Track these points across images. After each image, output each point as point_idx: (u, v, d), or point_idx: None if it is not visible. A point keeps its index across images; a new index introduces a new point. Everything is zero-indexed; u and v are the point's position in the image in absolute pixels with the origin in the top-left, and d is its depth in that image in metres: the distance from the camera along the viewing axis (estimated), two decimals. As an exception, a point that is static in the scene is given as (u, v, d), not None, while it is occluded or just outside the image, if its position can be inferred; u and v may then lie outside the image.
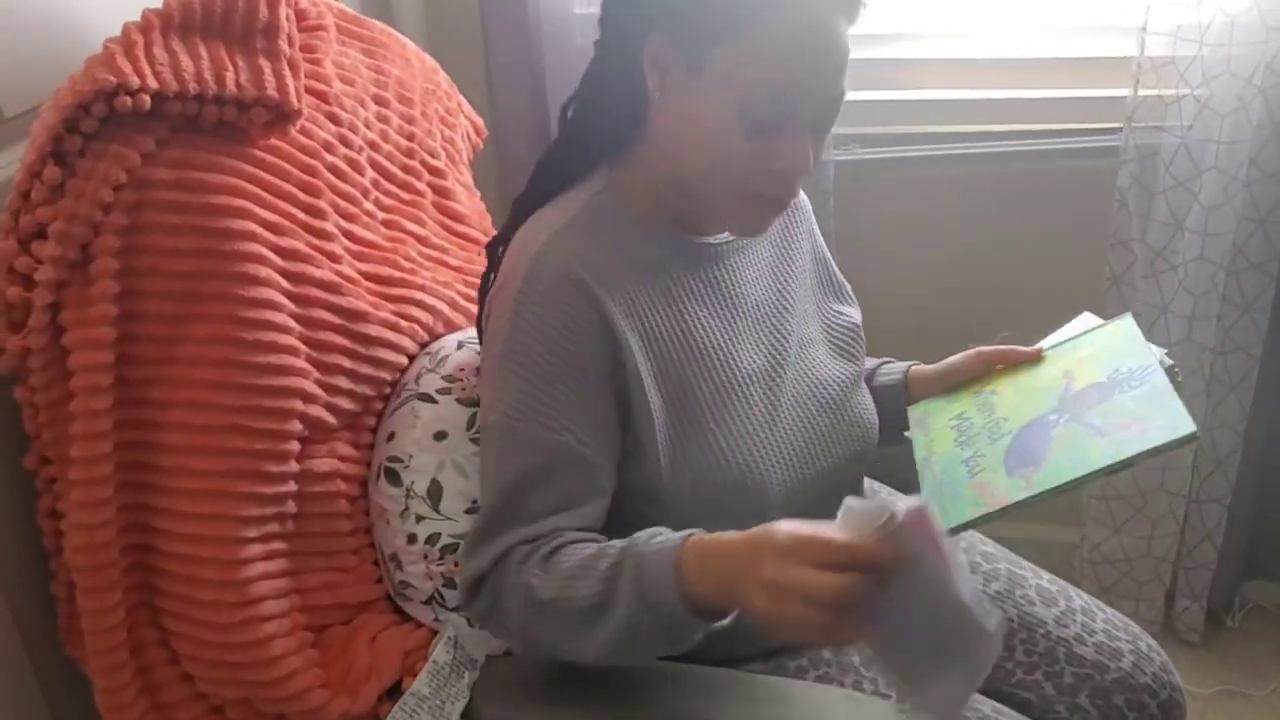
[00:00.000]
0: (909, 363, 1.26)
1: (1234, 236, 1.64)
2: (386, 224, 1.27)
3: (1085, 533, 1.90)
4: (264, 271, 1.06)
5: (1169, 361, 1.07)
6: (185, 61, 1.02)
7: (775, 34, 0.92)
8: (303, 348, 1.09)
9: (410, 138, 1.32)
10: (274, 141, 1.11)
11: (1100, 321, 1.16)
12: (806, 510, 1.10)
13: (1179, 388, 1.01)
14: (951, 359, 1.20)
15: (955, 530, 1.00)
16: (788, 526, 0.84)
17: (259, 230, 1.06)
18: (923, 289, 1.84)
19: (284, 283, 1.09)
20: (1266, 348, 1.71)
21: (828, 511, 1.14)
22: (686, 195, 1.04)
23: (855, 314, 1.22)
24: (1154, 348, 1.07)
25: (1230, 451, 1.78)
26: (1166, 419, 0.95)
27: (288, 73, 1.08)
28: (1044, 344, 1.17)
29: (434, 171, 1.36)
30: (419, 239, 1.30)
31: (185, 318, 1.03)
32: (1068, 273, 1.80)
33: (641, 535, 0.94)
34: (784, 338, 1.11)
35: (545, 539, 0.98)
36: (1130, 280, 1.74)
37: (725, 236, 1.10)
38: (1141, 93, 1.63)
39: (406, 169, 1.31)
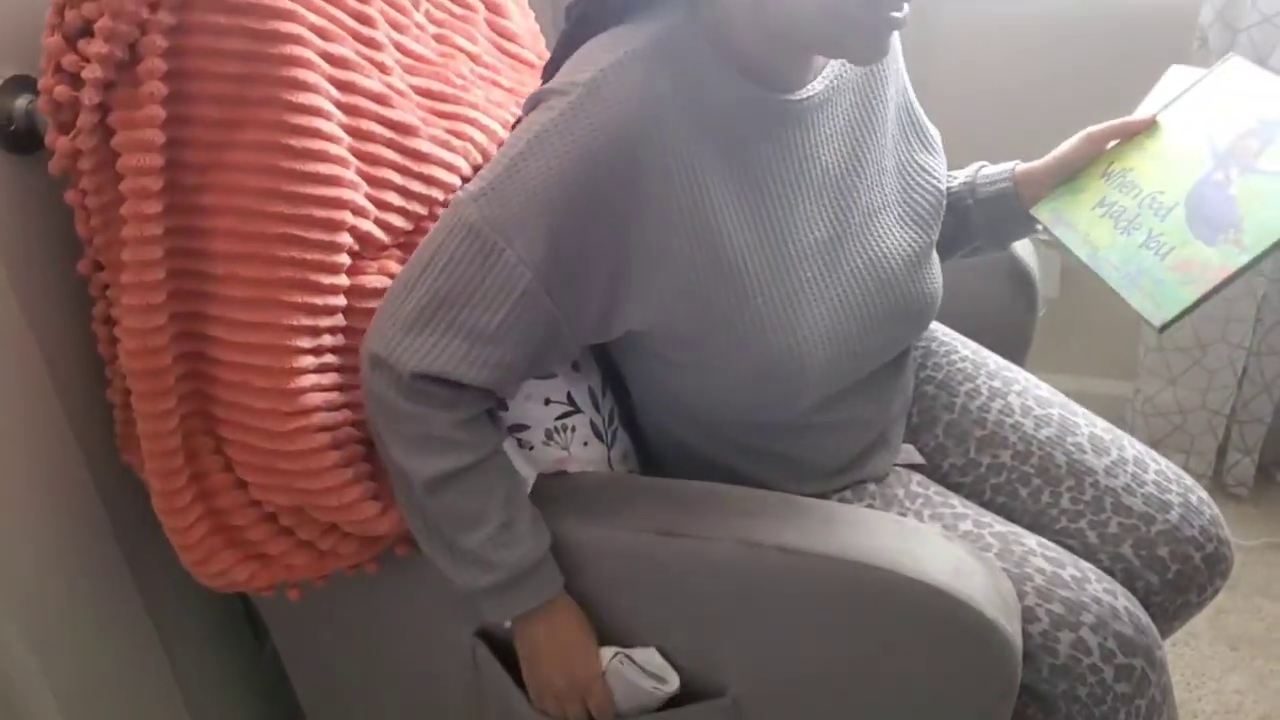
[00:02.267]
0: (1011, 164, 1.19)
1: None
2: (437, 39, 1.23)
3: (1139, 385, 1.88)
4: (312, 77, 1.03)
5: None
6: None
7: None
8: (352, 159, 1.07)
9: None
10: (320, -56, 1.07)
11: (1199, 71, 1.08)
12: (848, 385, 1.09)
13: None
14: (1060, 148, 1.14)
15: (1177, 319, 0.94)
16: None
17: (307, 34, 1.03)
18: (990, 134, 1.78)
19: (333, 91, 1.06)
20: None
21: (870, 387, 1.14)
22: (783, 37, 0.95)
23: (941, 166, 1.15)
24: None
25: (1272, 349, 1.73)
26: None
27: None
28: (1149, 108, 1.10)
29: (489, -11, 1.31)
30: (471, 56, 1.26)
31: (234, 123, 1.01)
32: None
33: (534, 555, 1.04)
34: (849, 206, 1.05)
35: (462, 451, 1.01)
36: (1205, 123, 1.66)
37: (806, 92, 1.01)
38: (1232, -82, 1.54)
39: (460, -16, 1.26)
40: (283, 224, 1.02)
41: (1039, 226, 1.15)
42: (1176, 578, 1.13)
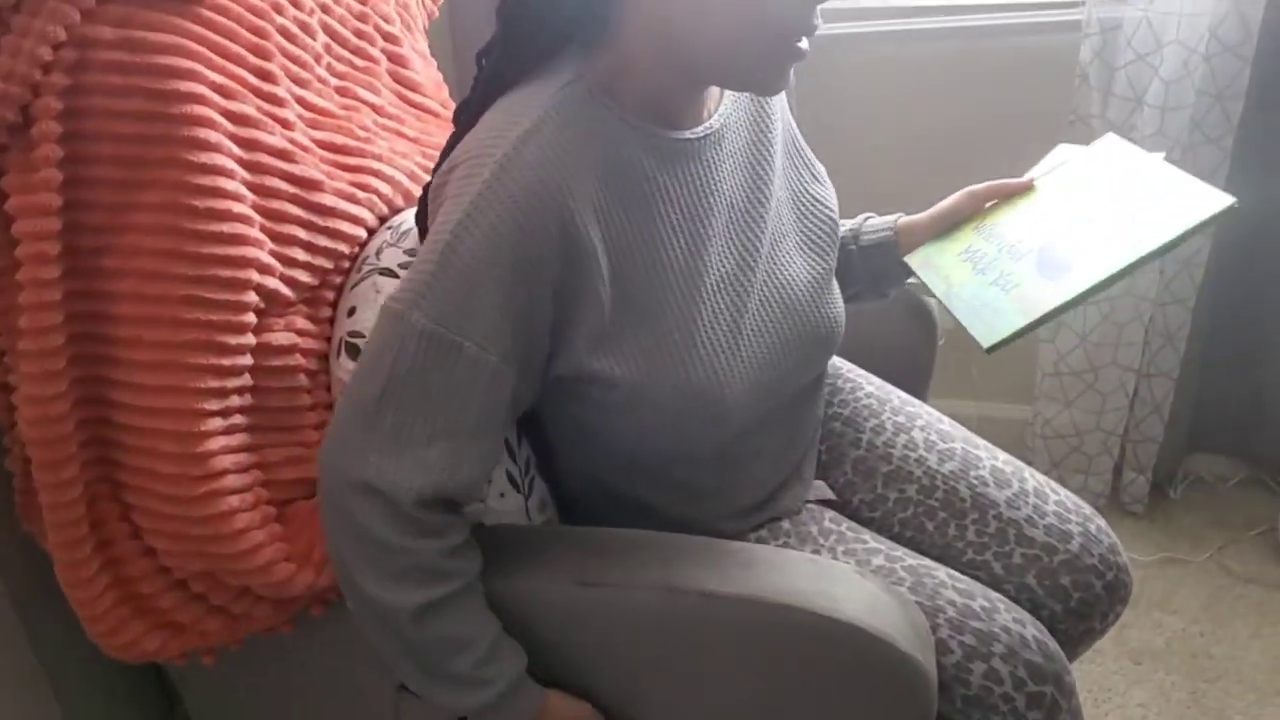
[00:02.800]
0: (894, 215, 1.25)
1: (1192, 111, 1.64)
2: (340, 91, 1.22)
3: (1038, 408, 1.94)
4: (214, 136, 1.02)
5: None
6: (122, -91, 0.96)
7: None
8: (256, 217, 1.06)
9: (364, 1, 1.27)
10: (221, 1, 1.06)
11: (1080, 148, 1.16)
12: (765, 413, 1.11)
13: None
14: (942, 202, 1.19)
15: (1006, 341, 1.01)
16: None
17: (208, 93, 1.02)
18: (885, 166, 1.83)
19: (235, 149, 1.05)
20: (1219, 225, 1.72)
21: (785, 416, 1.15)
22: (686, 74, 0.97)
23: (832, 197, 1.19)
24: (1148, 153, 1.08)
25: (1180, 326, 1.81)
26: (1199, 198, 0.96)
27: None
28: (1032, 174, 1.17)
29: (388, 38, 1.31)
30: (374, 108, 1.26)
31: (135, 184, 0.99)
32: (1028, 149, 1.79)
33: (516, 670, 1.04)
34: (756, 236, 1.07)
35: (445, 581, 0.99)
36: (1088, 157, 1.74)
37: (702, 129, 1.04)
38: (1106, -36, 1.61)
39: (360, 34, 1.26)
40: (187, 285, 1.00)
41: (913, 277, 1.21)
42: (1079, 605, 1.17)
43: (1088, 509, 1.22)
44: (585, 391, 1.04)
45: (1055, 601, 1.17)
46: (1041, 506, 1.20)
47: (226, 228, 1.02)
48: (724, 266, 1.04)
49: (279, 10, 1.13)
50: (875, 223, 1.26)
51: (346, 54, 1.25)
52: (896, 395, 1.35)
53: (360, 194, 1.18)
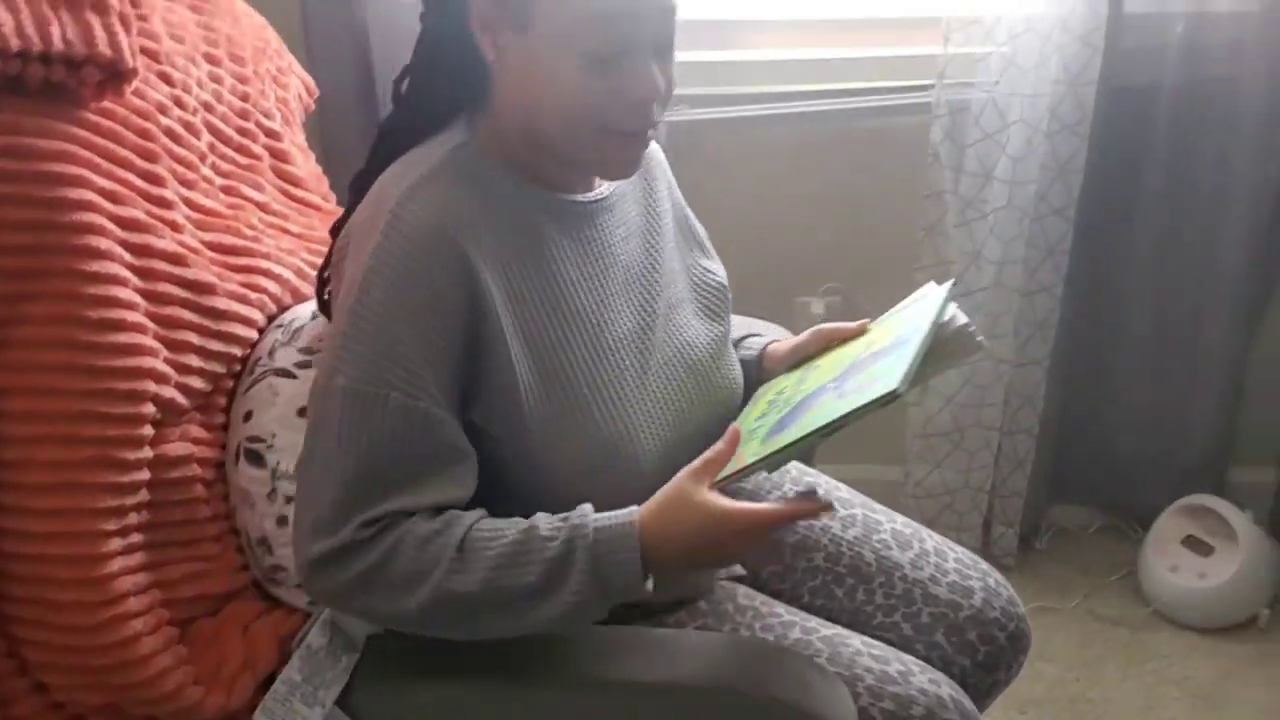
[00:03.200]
0: (769, 339, 1.28)
1: (1037, 185, 1.75)
2: (225, 190, 1.20)
3: (908, 469, 2.01)
4: (105, 244, 0.98)
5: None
6: (2, 15, 0.92)
7: None
8: (150, 325, 1.02)
9: (245, 98, 1.25)
10: (106, 104, 1.03)
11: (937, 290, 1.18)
12: (676, 472, 1.12)
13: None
14: (800, 336, 1.21)
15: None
16: (695, 471, 0.97)
17: (97, 199, 0.99)
18: (753, 245, 1.88)
19: (127, 255, 1.01)
20: (1066, 288, 1.84)
21: None
22: (548, 151, 1.03)
23: (720, 270, 1.23)
24: (953, 311, 1.07)
25: (1036, 385, 1.91)
26: (882, 381, 0.94)
27: (119, 28, 0.99)
28: (885, 315, 1.19)
29: (270, 134, 1.29)
30: (259, 205, 1.24)
31: (23, 296, 0.94)
32: (888, 224, 1.89)
33: (576, 516, 0.96)
34: (653, 299, 1.11)
35: (444, 526, 0.95)
36: (943, 229, 1.83)
37: (594, 195, 1.09)
38: (951, 50, 1.72)
39: (242, 131, 1.24)
40: (83, 400, 0.96)
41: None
42: (986, 658, 1.21)
43: (984, 564, 1.27)
44: (496, 448, 1.03)
45: (964, 657, 1.20)
46: (943, 565, 1.24)
47: (123, 338, 0.98)
48: (625, 325, 1.07)
49: (164, 111, 1.10)
50: (750, 341, 1.29)
51: (230, 152, 1.22)
52: (795, 465, 1.38)
53: (251, 294, 1.15)
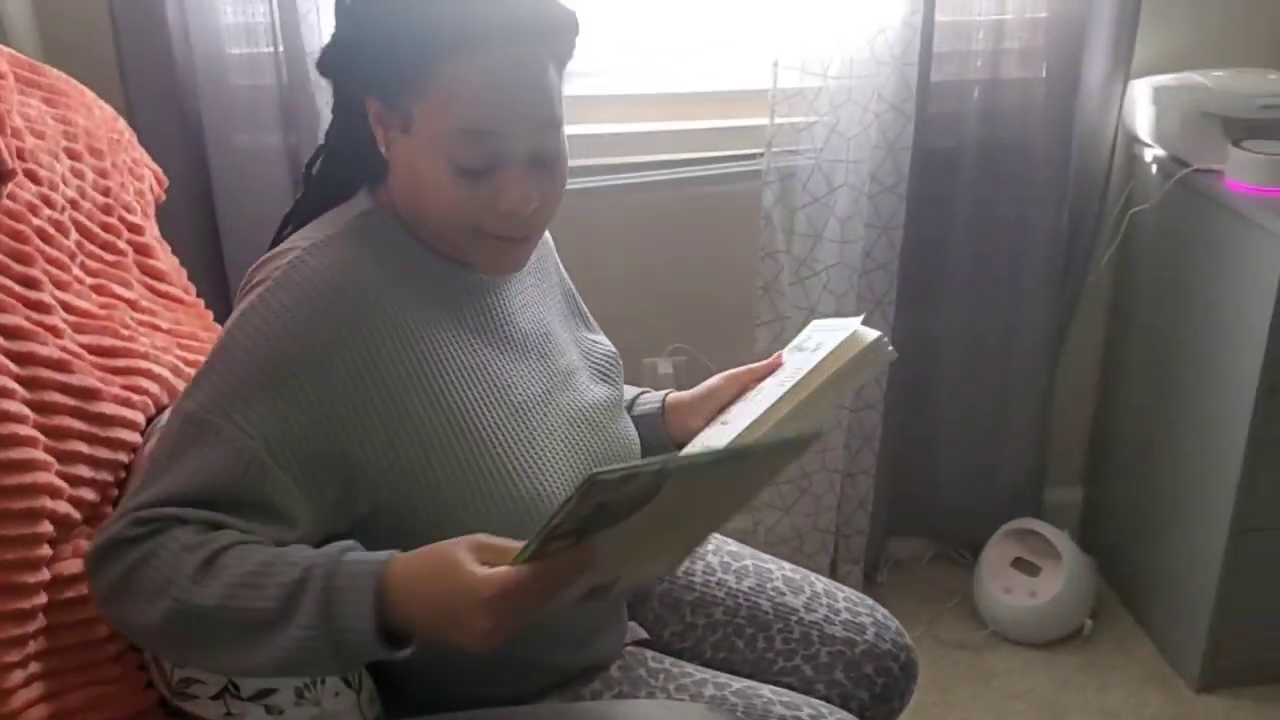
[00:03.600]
0: (665, 391, 1.32)
1: (863, 243, 1.88)
2: (96, 289, 1.14)
3: (758, 517, 2.09)
4: (-10, 355, 0.93)
5: (874, 335, 1.14)
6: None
7: (463, 80, 0.94)
8: (41, 437, 0.97)
9: (106, 193, 1.20)
10: (-25, 209, 0.97)
11: (832, 323, 1.24)
12: None
13: (889, 358, 1.16)
14: (706, 382, 1.27)
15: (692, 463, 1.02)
16: (473, 541, 0.87)
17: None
18: (600, 311, 1.93)
19: (11, 365, 0.96)
20: (895, 336, 1.97)
21: None
22: (437, 237, 1.05)
23: (606, 341, 1.27)
24: (873, 337, 1.15)
25: (874, 428, 2.03)
26: (800, 425, 1.03)
27: (-4, 130, 0.95)
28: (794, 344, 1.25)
29: (132, 228, 1.24)
30: (130, 303, 1.19)
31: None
32: (728, 284, 1.97)
33: (332, 549, 0.91)
34: (553, 365, 1.14)
35: (207, 539, 0.91)
36: (779, 288, 1.93)
37: None
38: (778, 121, 1.82)
39: (106, 227, 1.19)
40: None
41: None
42: (883, 690, 1.28)
43: (869, 600, 1.34)
44: (404, 522, 1.01)
45: (862, 690, 1.27)
46: (834, 605, 1.30)
47: (15, 454, 0.93)
48: (531, 388, 1.10)
49: (34, 211, 1.05)
50: (646, 398, 1.33)
51: (97, 249, 1.17)
52: None
53: (135, 397, 1.11)
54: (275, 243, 1.06)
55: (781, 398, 1.13)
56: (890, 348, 1.17)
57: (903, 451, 2.14)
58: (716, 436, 1.17)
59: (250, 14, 1.64)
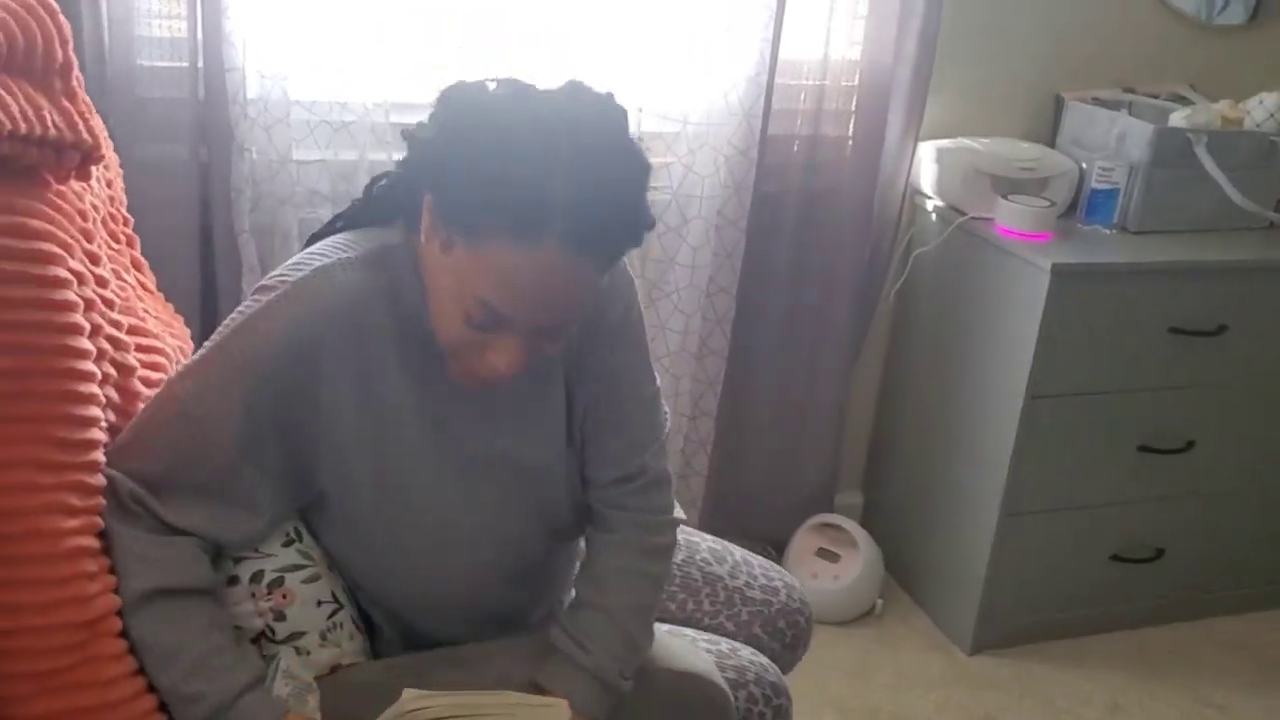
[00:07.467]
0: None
1: (710, 270, 2.15)
2: (114, 273, 1.21)
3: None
4: (82, 321, 1.01)
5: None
6: (5, 98, 0.95)
7: (510, 263, 0.97)
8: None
9: (110, 185, 1.27)
10: (56, 187, 1.05)
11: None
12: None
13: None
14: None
15: None
16: None
17: (71, 280, 1.01)
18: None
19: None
20: (730, 352, 2.25)
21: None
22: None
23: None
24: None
25: (707, 434, 2.29)
26: None
27: (88, 114, 1.04)
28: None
29: (125, 221, 1.31)
30: (133, 289, 1.26)
31: (23, 371, 0.95)
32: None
33: (234, 682, 1.04)
34: (500, 428, 1.20)
35: (164, 561, 1.04)
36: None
37: None
38: (639, 159, 2.07)
39: (113, 216, 1.26)
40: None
41: None
42: (792, 641, 1.52)
43: (779, 568, 1.57)
44: (370, 540, 1.18)
45: (775, 642, 1.50)
46: (752, 571, 1.53)
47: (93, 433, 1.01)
48: (489, 445, 1.19)
49: (85, 188, 1.13)
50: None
51: (107, 235, 1.24)
52: None
53: (153, 376, 1.19)
54: (319, 236, 1.16)
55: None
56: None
57: (719, 458, 2.40)
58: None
59: (174, 29, 1.70)
